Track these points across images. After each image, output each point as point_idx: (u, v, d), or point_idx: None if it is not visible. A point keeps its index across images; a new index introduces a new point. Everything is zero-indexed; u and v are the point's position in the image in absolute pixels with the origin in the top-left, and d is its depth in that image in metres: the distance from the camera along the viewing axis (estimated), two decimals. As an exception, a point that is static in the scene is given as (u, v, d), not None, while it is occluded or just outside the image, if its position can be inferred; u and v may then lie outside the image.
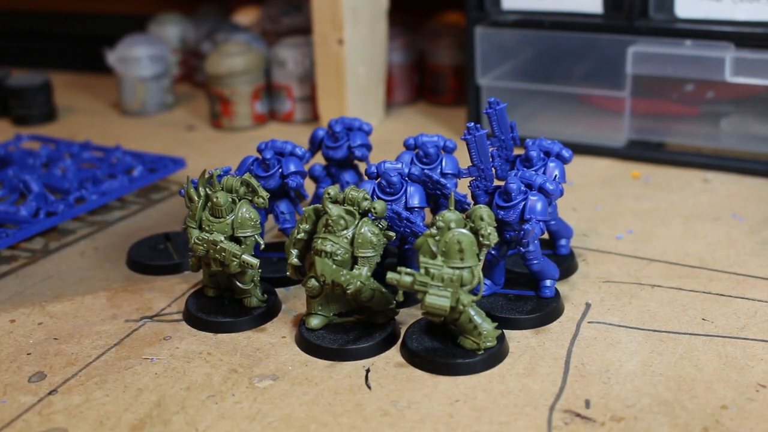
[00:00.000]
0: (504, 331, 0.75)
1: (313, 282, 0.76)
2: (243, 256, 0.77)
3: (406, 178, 0.81)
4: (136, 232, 1.01)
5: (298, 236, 0.77)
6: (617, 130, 1.18)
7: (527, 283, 0.83)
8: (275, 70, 1.39)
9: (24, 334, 0.81)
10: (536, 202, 0.77)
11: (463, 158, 0.85)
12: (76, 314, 0.84)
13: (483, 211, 0.70)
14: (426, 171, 0.82)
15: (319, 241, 0.75)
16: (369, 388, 0.71)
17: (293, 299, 0.85)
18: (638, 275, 0.87)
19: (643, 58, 1.13)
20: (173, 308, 0.84)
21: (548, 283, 0.81)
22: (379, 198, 0.80)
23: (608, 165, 1.16)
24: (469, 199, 0.82)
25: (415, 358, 0.73)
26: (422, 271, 0.70)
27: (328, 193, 0.76)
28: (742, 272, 0.86)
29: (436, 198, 0.84)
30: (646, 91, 1.16)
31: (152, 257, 0.92)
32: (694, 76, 1.12)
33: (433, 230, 0.70)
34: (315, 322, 0.77)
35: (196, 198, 0.79)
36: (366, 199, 0.76)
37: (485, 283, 0.81)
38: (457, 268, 0.70)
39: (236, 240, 0.79)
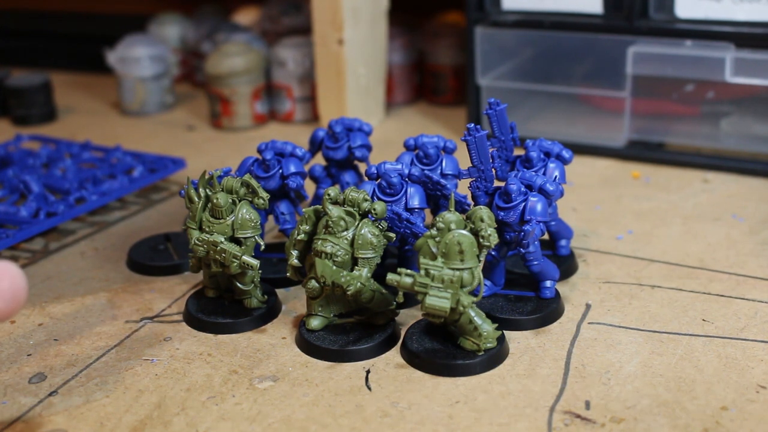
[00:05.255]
0: (504, 332, 0.75)
1: (313, 283, 0.76)
2: (243, 257, 0.77)
3: (406, 179, 0.81)
4: (136, 233, 1.01)
5: (299, 237, 0.77)
6: (617, 131, 1.18)
7: (527, 284, 0.83)
8: (275, 70, 1.39)
9: (24, 335, 0.81)
10: (536, 203, 0.77)
11: (463, 159, 0.85)
12: (77, 315, 0.84)
13: (483, 212, 0.70)
14: (426, 172, 0.82)
15: (320, 242, 0.75)
16: (369, 389, 0.71)
17: (293, 300, 0.85)
18: (638, 276, 0.87)
19: (643, 59, 1.13)
20: (173, 309, 0.84)
21: (548, 283, 0.81)
22: (379, 199, 0.80)
23: (608, 165, 1.16)
24: (469, 200, 0.82)
25: (415, 359, 0.73)
26: (422, 272, 0.70)
27: (328, 194, 0.75)
28: (742, 273, 0.86)
29: (437, 199, 0.84)
30: (646, 91, 1.16)
31: (152, 258, 0.92)
32: (694, 77, 1.12)
33: (433, 231, 0.70)
34: (315, 323, 0.77)
35: (196, 199, 0.79)
36: (366, 200, 0.76)
37: (485, 284, 0.81)
38: (457, 269, 0.70)
39: (236, 241, 0.79)
